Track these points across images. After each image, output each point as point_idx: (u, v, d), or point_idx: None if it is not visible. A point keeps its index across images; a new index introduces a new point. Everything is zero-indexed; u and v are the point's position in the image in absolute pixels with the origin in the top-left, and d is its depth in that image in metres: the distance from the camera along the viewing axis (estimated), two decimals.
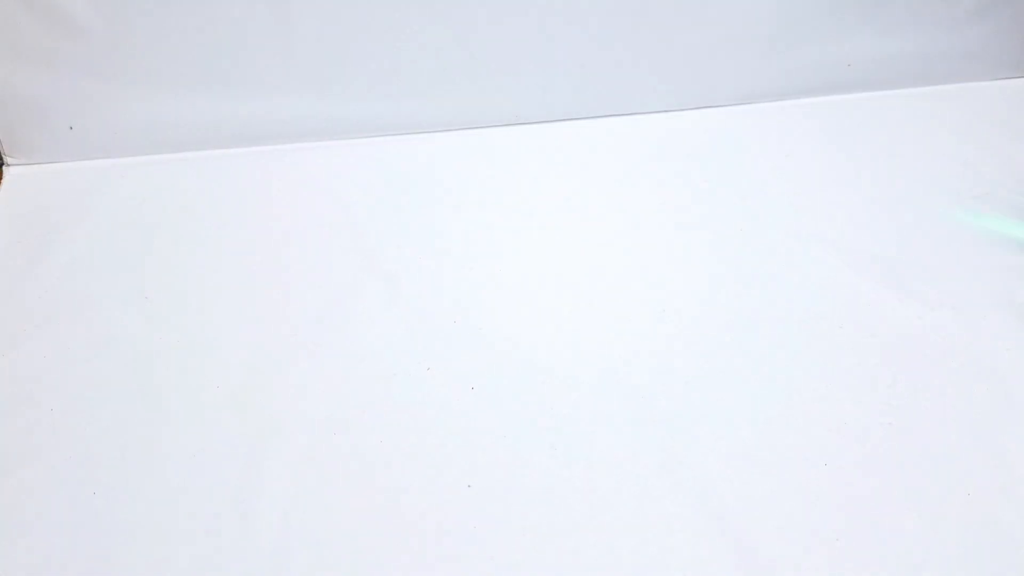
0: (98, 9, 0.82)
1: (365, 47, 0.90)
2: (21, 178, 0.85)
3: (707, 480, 0.55)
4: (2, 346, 0.65)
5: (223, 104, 0.89)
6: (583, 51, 0.97)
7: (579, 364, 0.64)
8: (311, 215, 0.80)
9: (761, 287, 0.73)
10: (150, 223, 0.79)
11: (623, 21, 0.96)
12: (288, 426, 0.59)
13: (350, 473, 0.55)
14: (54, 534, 0.51)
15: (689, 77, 1.01)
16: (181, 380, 0.62)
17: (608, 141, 0.96)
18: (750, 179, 0.89)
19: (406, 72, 0.93)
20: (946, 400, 0.62)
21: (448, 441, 0.58)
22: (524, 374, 0.63)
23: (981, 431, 0.59)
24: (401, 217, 0.81)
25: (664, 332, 0.68)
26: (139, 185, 0.84)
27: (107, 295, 0.70)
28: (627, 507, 0.53)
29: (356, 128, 0.94)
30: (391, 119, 0.95)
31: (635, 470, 0.56)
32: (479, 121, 0.97)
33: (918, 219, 0.82)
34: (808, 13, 1.01)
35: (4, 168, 0.86)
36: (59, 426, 0.58)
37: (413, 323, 0.68)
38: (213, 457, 0.56)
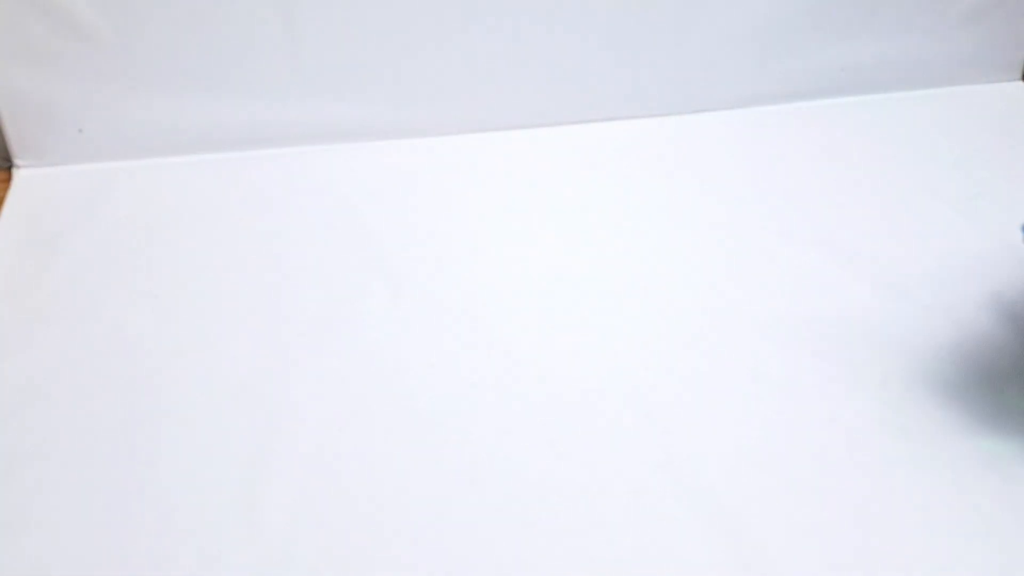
0: (107, 13, 0.83)
1: (370, 51, 0.91)
2: (30, 180, 0.85)
3: (706, 480, 0.56)
4: (12, 346, 0.65)
5: (231, 107, 0.89)
6: (584, 57, 0.97)
7: (579, 364, 0.65)
8: (317, 217, 0.81)
9: (758, 289, 0.74)
10: (158, 225, 0.79)
11: (622, 26, 0.96)
12: (292, 425, 0.59)
13: (353, 471, 0.56)
14: (58, 533, 0.51)
15: (685, 82, 1.02)
16: (188, 379, 0.63)
17: (609, 145, 0.96)
18: (746, 183, 0.89)
19: (411, 76, 0.93)
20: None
21: (449, 440, 0.58)
22: (525, 374, 0.64)
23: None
24: (405, 220, 0.81)
25: (663, 332, 0.68)
26: (147, 187, 0.84)
27: (115, 296, 0.70)
28: (627, 507, 0.54)
29: (361, 131, 0.94)
30: (395, 123, 0.95)
31: (635, 469, 0.56)
32: (483, 125, 0.97)
33: (911, 221, 0.83)
34: (801, 18, 1.01)
35: (14, 170, 0.87)
36: (67, 424, 0.59)
37: (416, 324, 0.68)
38: (218, 456, 0.57)
